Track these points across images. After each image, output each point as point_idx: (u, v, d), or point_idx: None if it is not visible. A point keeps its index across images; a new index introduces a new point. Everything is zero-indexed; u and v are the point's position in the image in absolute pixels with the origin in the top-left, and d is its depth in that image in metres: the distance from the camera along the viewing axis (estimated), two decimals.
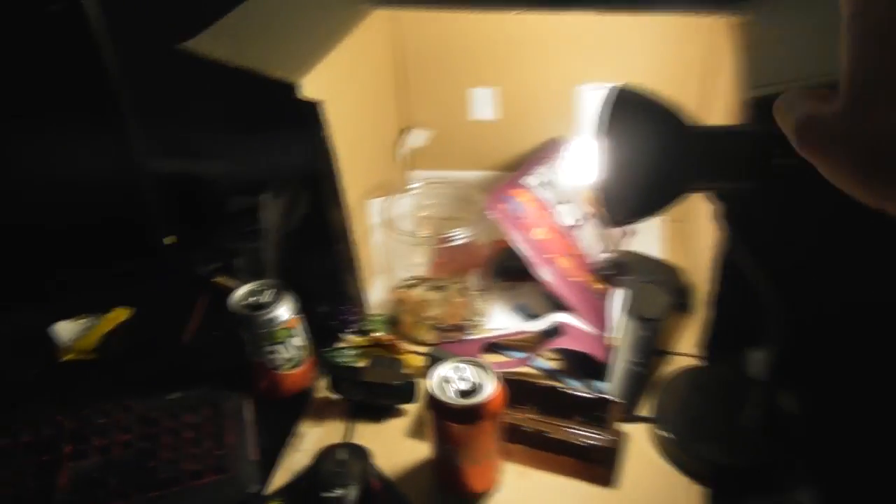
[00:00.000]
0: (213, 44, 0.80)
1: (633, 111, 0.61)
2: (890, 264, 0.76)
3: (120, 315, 0.97)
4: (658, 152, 0.59)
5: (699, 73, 0.93)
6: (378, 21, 0.95)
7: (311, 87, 0.76)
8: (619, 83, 0.62)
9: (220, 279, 0.98)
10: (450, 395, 0.67)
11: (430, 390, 0.67)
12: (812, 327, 0.70)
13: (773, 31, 0.79)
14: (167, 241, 0.96)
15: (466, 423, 0.66)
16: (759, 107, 0.66)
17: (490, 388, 0.67)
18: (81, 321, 0.94)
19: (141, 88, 0.91)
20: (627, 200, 0.63)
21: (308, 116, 0.78)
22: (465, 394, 0.67)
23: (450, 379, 0.68)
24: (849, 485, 0.75)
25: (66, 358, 0.91)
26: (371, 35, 0.94)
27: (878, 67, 0.31)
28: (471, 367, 0.69)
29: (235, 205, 1.09)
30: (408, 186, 0.95)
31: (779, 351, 0.70)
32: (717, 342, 0.84)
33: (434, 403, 0.67)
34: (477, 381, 0.68)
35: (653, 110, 0.61)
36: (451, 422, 0.67)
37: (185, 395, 0.83)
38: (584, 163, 0.96)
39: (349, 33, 0.87)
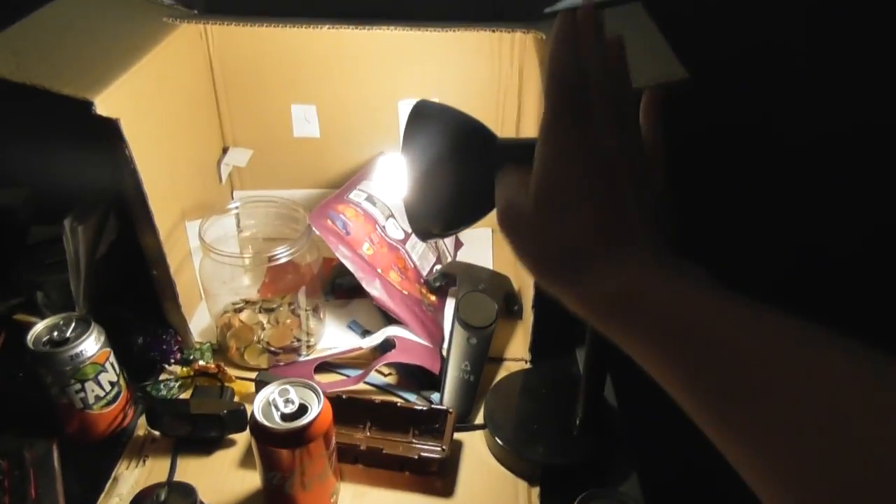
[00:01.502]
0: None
1: (429, 124, 0.61)
2: None
3: None
4: (456, 163, 0.60)
5: (514, 86, 0.96)
6: (188, 36, 0.91)
7: (107, 104, 0.71)
8: (430, 98, 0.63)
9: (21, 316, 0.89)
10: (274, 420, 0.64)
11: (253, 416, 0.64)
12: None
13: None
14: None
15: (293, 446, 0.64)
16: None
17: (316, 409, 0.65)
18: None
19: None
20: (430, 214, 0.63)
21: (107, 136, 0.73)
22: (290, 417, 0.64)
23: (274, 402, 0.65)
24: (667, 473, 0.80)
25: None
26: (180, 50, 0.89)
27: (557, 182, 0.40)
28: (295, 388, 0.66)
29: (37, 234, 1.00)
30: (227, 206, 0.91)
31: (598, 348, 0.73)
32: (547, 344, 0.86)
33: (257, 429, 0.64)
34: (303, 402, 0.66)
35: (450, 122, 0.62)
36: (276, 447, 0.64)
37: None
38: (397, 170, 0.96)
39: (153, 49, 0.82)
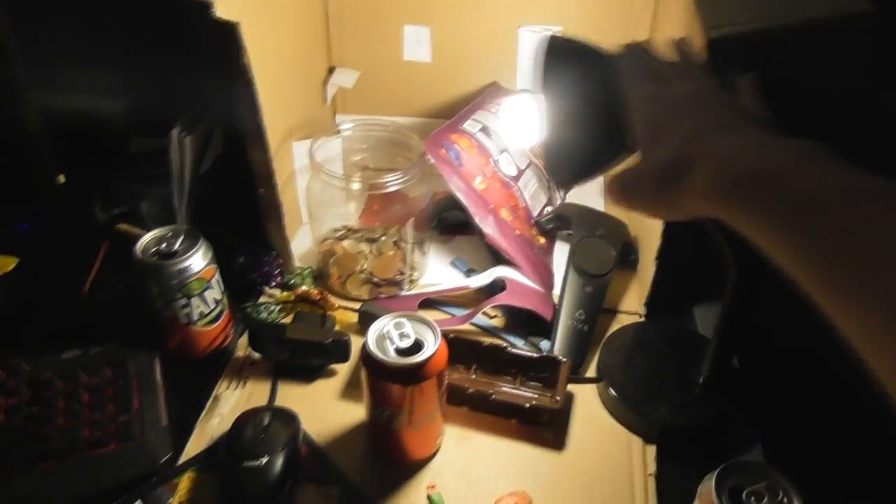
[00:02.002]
0: None
1: (566, 62, 0.56)
2: None
3: (5, 264, 0.85)
4: (598, 108, 0.54)
5: (649, 12, 0.88)
6: None
7: (225, 6, 0.67)
8: (552, 30, 0.57)
9: (124, 226, 0.88)
10: (389, 354, 0.60)
11: (366, 348, 0.60)
12: (761, 285, 0.67)
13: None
14: (57, 180, 0.84)
15: (407, 383, 0.60)
16: (716, 48, 0.61)
17: (433, 346, 0.61)
18: None
19: (21, 11, 0.78)
20: (572, 159, 0.58)
21: (223, 41, 0.69)
22: (405, 352, 0.61)
23: (389, 335, 0.61)
24: (794, 444, 0.74)
25: None
26: None
27: (651, 114, 0.47)
28: (411, 322, 0.62)
29: (140, 144, 0.98)
30: (338, 128, 0.86)
31: (730, 308, 0.66)
32: (663, 298, 0.81)
33: (371, 362, 0.60)
34: (418, 338, 0.62)
35: (589, 59, 0.56)
36: (390, 382, 0.60)
37: (83, 353, 0.73)
38: (525, 111, 0.90)
39: None
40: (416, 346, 0.61)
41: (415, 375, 0.60)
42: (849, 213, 0.32)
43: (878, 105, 0.61)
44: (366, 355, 0.61)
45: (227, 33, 0.68)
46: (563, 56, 0.56)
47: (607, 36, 0.85)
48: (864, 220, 0.32)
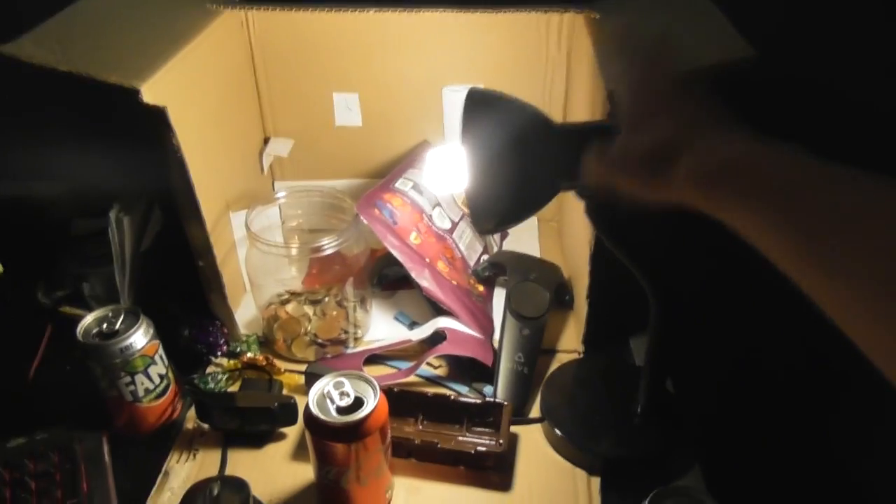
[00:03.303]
0: (36, 48, 0.71)
1: (485, 112, 0.60)
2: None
3: None
4: (518, 153, 0.58)
5: (563, 67, 0.94)
6: (230, 22, 0.90)
7: (153, 92, 0.69)
8: (475, 85, 0.61)
9: (67, 308, 0.88)
10: (330, 413, 0.62)
11: (308, 409, 0.62)
12: (688, 312, 0.71)
13: (617, 29, 0.81)
14: None
15: (350, 441, 0.62)
16: (612, 100, 0.66)
17: (372, 402, 0.63)
18: None
19: None
20: (493, 207, 0.62)
21: (153, 125, 0.72)
22: (346, 410, 0.62)
23: (329, 395, 0.63)
24: (732, 468, 0.77)
25: None
26: (222, 38, 0.88)
27: (642, 99, 0.50)
28: (351, 381, 0.64)
29: (80, 227, 1.00)
30: (274, 196, 0.89)
31: (660, 338, 0.70)
32: (600, 334, 0.84)
33: (313, 423, 0.62)
34: (358, 395, 0.64)
35: (511, 111, 0.61)
36: (332, 441, 0.62)
37: (30, 440, 0.73)
38: (449, 162, 0.94)
39: (196, 36, 0.81)
40: (357, 404, 0.63)
41: (357, 432, 0.62)
42: (821, 196, 0.37)
43: None
44: (308, 417, 0.63)
45: (157, 117, 0.70)
46: (481, 106, 0.60)
47: (526, 90, 0.91)
48: (833, 200, 0.36)
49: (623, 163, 0.50)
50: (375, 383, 0.64)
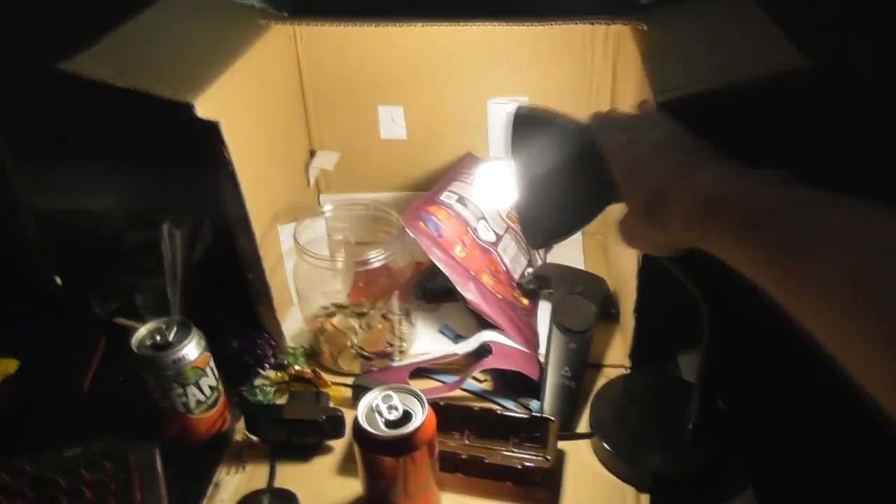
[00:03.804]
0: (95, 64, 0.73)
1: (534, 130, 0.60)
2: None
3: (6, 367, 0.87)
4: (566, 171, 0.58)
5: (608, 79, 0.93)
6: (278, 38, 0.91)
7: (206, 107, 0.71)
8: (521, 101, 0.61)
9: (120, 319, 0.90)
10: (379, 427, 0.62)
11: (357, 423, 0.62)
12: (741, 328, 0.70)
13: (669, 39, 0.80)
14: (55, 281, 0.88)
15: (398, 454, 0.62)
16: (669, 110, 0.65)
17: (421, 416, 0.63)
18: None
19: (15, 115, 0.83)
20: (544, 222, 0.62)
21: (206, 139, 0.73)
22: (394, 424, 0.63)
23: (378, 409, 0.63)
24: (786, 486, 0.75)
25: None
26: (271, 53, 0.89)
27: (627, 158, 0.52)
28: (399, 394, 0.65)
29: (132, 239, 1.02)
30: (321, 209, 0.90)
31: (712, 353, 0.69)
32: (647, 349, 0.83)
33: (362, 436, 0.62)
34: (407, 409, 0.64)
35: (555, 127, 0.61)
36: (381, 455, 0.62)
37: (85, 449, 0.75)
38: (499, 178, 0.94)
39: (246, 52, 0.82)
40: (406, 417, 0.63)
41: (406, 446, 0.62)
42: (801, 220, 0.38)
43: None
44: (357, 430, 0.63)
45: (209, 131, 0.72)
46: (529, 125, 0.61)
47: (571, 103, 0.91)
48: (813, 223, 0.37)
49: (631, 225, 0.53)
50: (423, 397, 0.64)
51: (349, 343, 0.86)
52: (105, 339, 0.90)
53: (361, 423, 0.62)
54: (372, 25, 0.90)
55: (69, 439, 0.76)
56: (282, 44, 0.93)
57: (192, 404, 0.74)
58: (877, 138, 0.94)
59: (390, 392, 0.64)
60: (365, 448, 0.63)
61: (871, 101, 0.92)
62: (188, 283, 0.89)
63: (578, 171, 0.58)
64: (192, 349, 0.73)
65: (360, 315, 0.88)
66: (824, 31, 0.79)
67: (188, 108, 0.70)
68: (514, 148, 0.60)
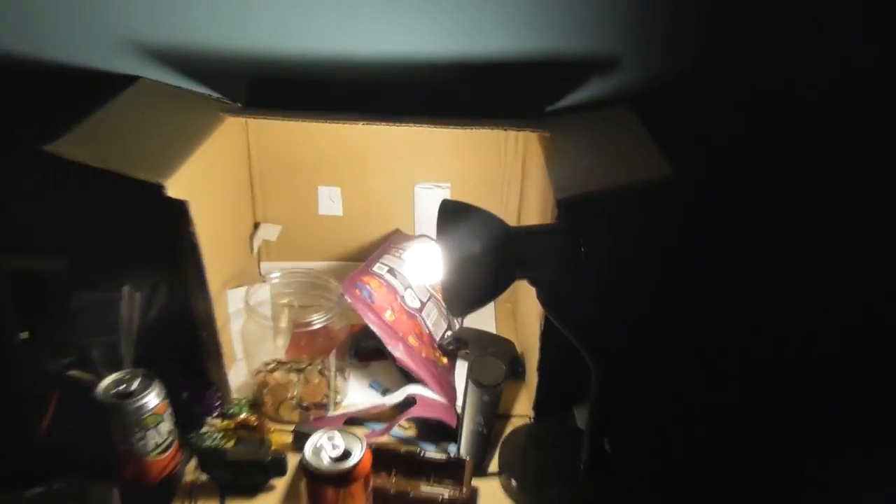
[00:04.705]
0: (72, 147, 0.84)
1: (457, 221, 0.75)
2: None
3: None
4: (484, 254, 0.73)
5: (518, 173, 1.10)
6: (232, 127, 1.03)
7: (175, 187, 0.82)
8: (444, 186, 0.76)
9: (75, 373, 0.98)
10: (323, 462, 0.74)
11: (304, 458, 0.74)
12: (624, 381, 0.85)
13: (567, 145, 0.98)
14: (21, 336, 0.95)
15: (339, 486, 0.74)
16: (565, 206, 0.82)
17: (359, 454, 0.75)
18: None
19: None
20: (464, 295, 0.76)
21: (173, 214, 0.84)
22: (336, 460, 0.74)
23: (323, 447, 0.75)
24: None
25: None
26: (227, 139, 1.01)
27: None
28: (341, 435, 0.76)
29: (79, 300, 1.10)
30: (269, 276, 1.02)
31: (599, 404, 0.84)
32: (548, 402, 0.98)
33: (309, 470, 0.74)
34: (347, 448, 0.76)
35: (474, 219, 0.76)
36: (325, 485, 0.74)
37: (47, 489, 0.82)
38: (425, 254, 1.08)
39: (207, 138, 0.94)
40: (346, 455, 0.75)
41: (346, 478, 0.74)
42: None
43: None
44: (305, 464, 0.74)
45: (178, 209, 0.83)
46: (453, 216, 0.75)
47: (487, 191, 1.07)
48: None
49: None
50: (362, 438, 0.76)
51: (289, 395, 0.96)
52: (59, 391, 0.97)
53: (308, 457, 0.74)
54: (314, 122, 1.03)
55: (30, 481, 0.83)
56: (235, 131, 1.05)
57: (150, 447, 0.83)
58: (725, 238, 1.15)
59: (334, 433, 0.76)
60: (311, 480, 0.74)
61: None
62: (142, 339, 0.98)
63: (493, 254, 0.73)
64: (153, 398, 0.82)
65: (299, 370, 0.99)
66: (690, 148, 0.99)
67: (160, 188, 0.81)
68: (439, 234, 0.74)
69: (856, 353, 1.22)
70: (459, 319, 1.14)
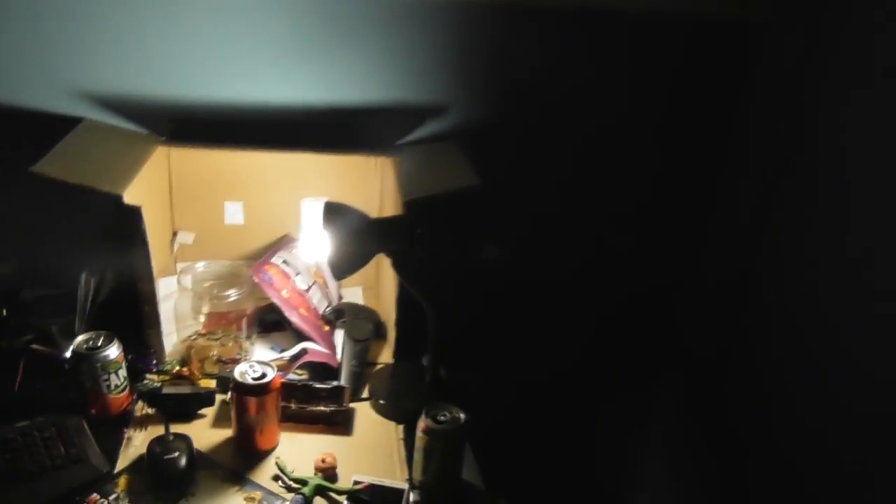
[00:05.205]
0: (52, 167, 1.14)
1: (337, 215, 1.13)
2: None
3: None
4: (354, 235, 1.11)
5: (379, 186, 1.49)
6: (159, 154, 1.36)
7: (128, 197, 1.15)
8: (328, 198, 1.14)
9: (36, 346, 1.26)
10: (247, 379, 1.08)
11: (234, 377, 1.08)
12: (450, 323, 1.25)
13: (410, 166, 1.38)
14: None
15: (259, 395, 1.08)
16: (408, 205, 1.21)
17: (272, 374, 1.10)
18: None
19: None
20: (343, 264, 1.14)
21: (128, 217, 1.16)
22: (256, 379, 1.09)
23: (246, 371, 1.09)
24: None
25: None
26: (155, 164, 1.34)
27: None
28: (258, 364, 1.11)
29: (28, 293, 1.37)
30: (195, 265, 1.35)
31: (436, 341, 1.23)
32: (403, 350, 1.36)
33: (238, 386, 1.08)
34: (263, 371, 1.10)
35: (348, 212, 1.14)
36: (249, 396, 1.08)
37: (32, 422, 1.10)
38: (308, 248, 1.44)
39: (144, 162, 1.26)
40: (263, 376, 1.10)
41: (263, 389, 1.08)
42: None
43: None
44: (235, 383, 1.08)
45: (132, 213, 1.15)
46: (334, 211, 1.13)
47: (357, 199, 1.44)
48: None
49: None
50: (273, 366, 1.11)
51: (211, 353, 1.29)
52: (24, 361, 1.25)
53: (238, 377, 1.08)
54: (222, 150, 1.37)
55: (16, 418, 1.11)
56: (161, 157, 1.38)
57: (112, 387, 1.14)
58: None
59: (254, 362, 1.11)
60: (238, 392, 1.08)
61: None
62: (92, 317, 1.28)
63: (362, 235, 1.11)
64: (114, 350, 1.13)
65: (217, 338, 1.32)
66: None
67: (119, 197, 1.13)
68: (325, 223, 1.11)
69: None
70: (335, 296, 1.51)
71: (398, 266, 1.17)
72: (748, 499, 1.56)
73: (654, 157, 1.62)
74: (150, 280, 1.22)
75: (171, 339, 1.34)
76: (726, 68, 1.55)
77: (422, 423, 1.06)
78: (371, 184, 1.49)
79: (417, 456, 1.08)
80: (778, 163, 1.47)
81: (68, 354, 1.16)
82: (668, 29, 1.48)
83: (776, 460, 1.47)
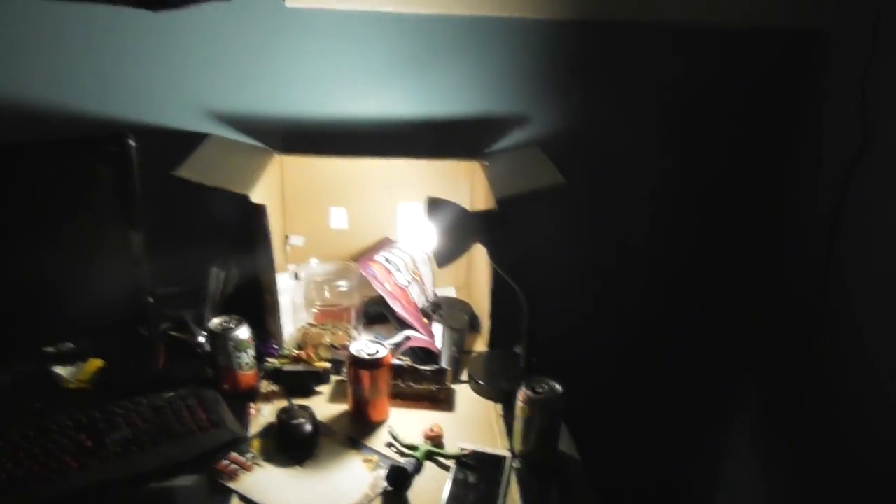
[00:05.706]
0: (191, 172, 1.31)
1: (439, 208, 1.26)
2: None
3: (95, 364, 1.36)
4: (454, 226, 1.24)
5: (469, 186, 1.62)
6: (275, 163, 1.52)
7: (254, 197, 1.30)
8: (430, 196, 1.27)
9: (174, 333, 1.42)
10: (363, 355, 1.21)
11: (352, 353, 1.21)
12: (542, 310, 1.35)
13: (498, 169, 1.50)
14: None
15: (372, 369, 1.20)
16: (499, 202, 1.33)
17: (385, 351, 1.22)
18: (69, 367, 1.33)
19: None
20: (445, 251, 1.26)
21: (255, 216, 1.32)
22: (370, 354, 1.21)
23: (361, 348, 1.22)
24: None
25: (69, 387, 1.29)
26: (272, 170, 1.50)
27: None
28: (372, 342, 1.24)
29: (163, 291, 1.54)
30: (310, 263, 1.50)
31: (530, 327, 1.34)
32: (496, 340, 1.47)
33: (354, 360, 1.21)
34: (377, 349, 1.23)
35: (448, 206, 1.26)
36: (364, 369, 1.20)
37: (177, 393, 1.26)
38: (410, 243, 1.57)
39: (265, 169, 1.42)
40: (377, 353, 1.22)
41: (377, 364, 1.21)
42: None
43: None
44: (352, 357, 1.21)
45: (259, 210, 1.31)
46: (437, 204, 1.26)
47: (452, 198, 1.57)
48: None
49: None
50: (386, 343, 1.24)
51: (324, 341, 1.43)
52: (165, 346, 1.41)
53: (354, 353, 1.21)
54: (327, 158, 1.53)
55: (162, 391, 1.26)
56: (275, 167, 1.54)
57: (243, 365, 1.28)
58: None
59: (368, 340, 1.23)
60: (354, 366, 1.21)
61: None
62: (219, 307, 1.43)
63: (461, 226, 1.23)
64: (244, 331, 1.28)
65: (328, 327, 1.46)
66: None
67: (246, 196, 1.29)
68: (430, 215, 1.24)
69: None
70: (431, 292, 1.63)
71: (494, 254, 1.28)
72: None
73: (729, 160, 1.70)
74: (272, 271, 1.37)
75: (288, 329, 1.48)
76: (797, 74, 1.63)
77: (521, 395, 1.16)
78: (461, 188, 1.62)
79: (517, 425, 1.18)
80: (847, 163, 1.53)
81: (202, 339, 1.31)
82: (746, 40, 1.58)
83: (854, 461, 1.50)
